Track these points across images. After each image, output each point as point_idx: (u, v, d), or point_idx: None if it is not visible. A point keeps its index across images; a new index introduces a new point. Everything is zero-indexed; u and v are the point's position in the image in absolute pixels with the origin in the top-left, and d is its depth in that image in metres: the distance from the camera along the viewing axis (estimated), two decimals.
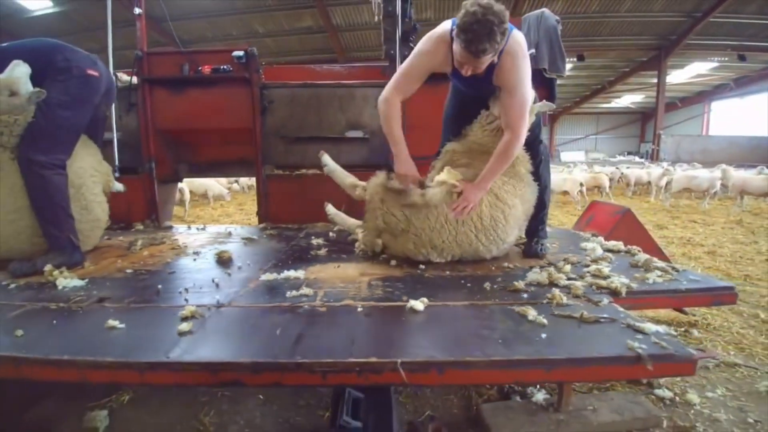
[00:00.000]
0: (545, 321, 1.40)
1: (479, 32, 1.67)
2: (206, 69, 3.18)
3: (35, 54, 2.11)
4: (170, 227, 3.32)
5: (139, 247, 2.49)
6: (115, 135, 3.10)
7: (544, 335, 1.31)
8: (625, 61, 18.81)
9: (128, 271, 2.04)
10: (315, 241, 2.59)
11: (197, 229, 3.27)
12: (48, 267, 1.92)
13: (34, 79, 2.08)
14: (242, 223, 7.17)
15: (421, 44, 2.03)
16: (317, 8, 11.31)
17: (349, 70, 3.68)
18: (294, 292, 1.63)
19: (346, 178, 2.52)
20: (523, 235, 2.39)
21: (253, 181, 11.29)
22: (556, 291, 1.63)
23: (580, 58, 15.13)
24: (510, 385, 2.18)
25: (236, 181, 10.28)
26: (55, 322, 1.42)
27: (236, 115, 3.29)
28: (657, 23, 14.19)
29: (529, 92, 1.96)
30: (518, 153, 2.12)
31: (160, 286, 1.76)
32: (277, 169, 3.37)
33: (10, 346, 1.24)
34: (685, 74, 20.73)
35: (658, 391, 1.99)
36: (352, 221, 2.49)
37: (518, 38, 1.89)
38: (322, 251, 2.37)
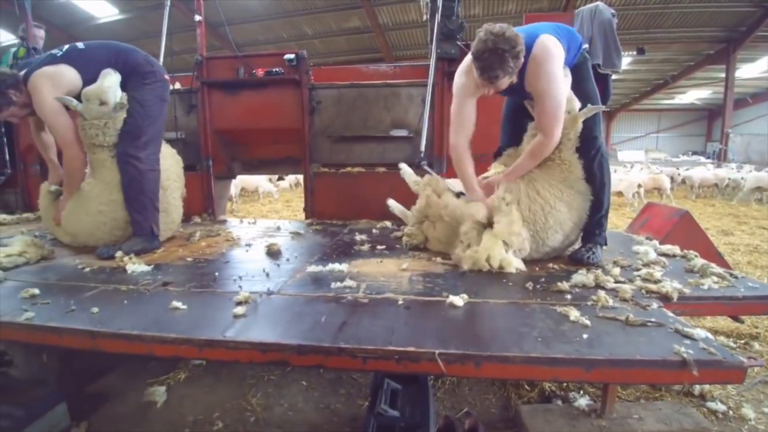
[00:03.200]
0: (588, 322, 1.38)
1: (490, 60, 1.76)
2: (260, 72, 3.35)
3: (122, 56, 2.34)
4: (224, 221, 3.53)
5: (197, 238, 2.69)
6: (177, 134, 3.36)
7: (585, 336, 1.30)
8: (690, 54, 17.53)
9: (188, 259, 2.21)
10: (358, 237, 2.67)
11: (249, 223, 3.45)
12: (119, 253, 2.13)
13: (122, 79, 2.32)
14: (289, 218, 7.44)
15: (456, 79, 2.11)
16: (364, 8, 11.47)
17: (395, 69, 3.73)
18: (338, 284, 1.71)
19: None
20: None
21: (299, 178, 11.68)
22: (602, 293, 1.60)
23: (641, 51, 14.25)
24: (549, 384, 2.16)
25: (282, 179, 10.66)
26: (125, 302, 1.58)
27: (286, 115, 3.44)
28: (724, 14, 13.13)
29: (562, 94, 1.93)
30: (570, 159, 2.11)
31: (216, 274, 1.91)
32: (323, 167, 3.49)
33: (87, 321, 1.41)
34: (756, 69, 19.03)
35: (711, 404, 1.89)
36: (409, 213, 2.55)
37: (546, 43, 1.88)
38: (365, 247, 2.44)
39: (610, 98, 2.87)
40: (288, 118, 3.43)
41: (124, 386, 2.34)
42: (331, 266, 1.96)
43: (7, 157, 3.99)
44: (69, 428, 1.86)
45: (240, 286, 1.74)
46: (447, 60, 3.17)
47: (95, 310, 1.47)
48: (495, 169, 2.31)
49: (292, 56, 3.29)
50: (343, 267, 1.96)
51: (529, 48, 1.87)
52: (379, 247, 2.45)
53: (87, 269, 2.04)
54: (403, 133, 3.29)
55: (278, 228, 3.17)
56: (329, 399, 2.22)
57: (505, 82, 1.86)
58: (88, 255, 2.34)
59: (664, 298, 1.64)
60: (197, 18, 3.45)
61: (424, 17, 3.08)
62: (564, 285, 1.71)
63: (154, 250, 2.39)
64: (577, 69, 2.13)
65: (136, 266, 2.00)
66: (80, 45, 2.32)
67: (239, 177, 6.10)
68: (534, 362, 1.19)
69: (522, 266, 1.96)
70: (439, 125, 3.22)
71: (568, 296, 1.64)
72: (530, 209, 2.09)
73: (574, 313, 1.43)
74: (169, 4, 3.51)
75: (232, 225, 3.34)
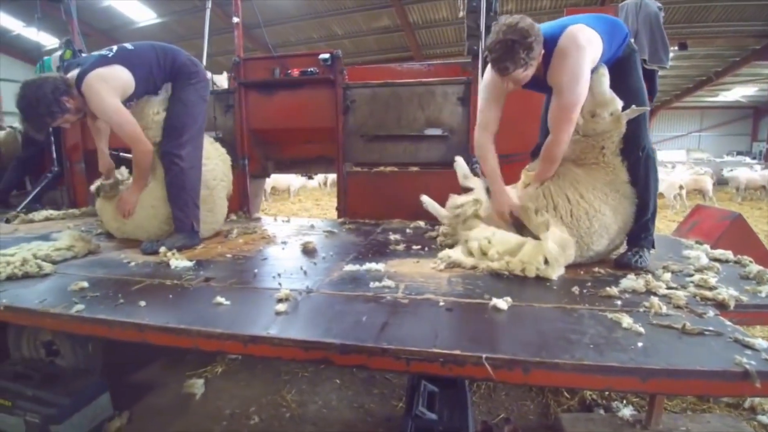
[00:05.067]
0: (642, 330, 1.31)
1: (500, 52, 1.72)
2: (295, 72, 3.39)
3: (170, 56, 2.40)
4: (259, 218, 3.59)
5: (235, 235, 2.74)
6: (216, 134, 3.43)
7: (640, 344, 1.23)
8: (735, 49, 16.58)
9: (228, 256, 2.25)
10: (393, 237, 2.65)
11: (282, 221, 3.50)
12: (162, 249, 2.19)
13: (169, 79, 2.42)
14: (319, 217, 7.51)
15: (485, 75, 2.09)
16: (394, 7, 11.46)
17: (428, 68, 3.69)
18: (376, 284, 1.70)
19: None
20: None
21: (327, 177, 11.79)
22: (655, 300, 1.52)
23: (683, 46, 13.58)
24: (591, 392, 2.08)
25: (311, 178, 10.78)
26: (170, 296, 1.62)
27: (320, 114, 3.47)
28: None
29: (581, 92, 1.81)
30: (614, 162, 2.04)
31: (256, 271, 1.94)
32: (356, 166, 3.49)
33: (135, 314, 1.45)
34: None
35: (762, 417, 1.78)
36: (444, 212, 2.50)
37: (574, 33, 1.78)
38: (400, 247, 2.42)
39: (656, 95, 2.74)
40: (322, 118, 3.45)
41: (163, 378, 2.41)
42: (367, 266, 1.95)
43: (55, 155, 4.18)
44: (112, 417, 1.93)
45: (279, 284, 1.75)
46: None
47: (143, 303, 1.51)
48: (528, 171, 2.28)
49: (326, 56, 3.31)
50: (380, 266, 1.95)
51: (555, 39, 1.80)
52: (414, 247, 2.42)
53: (132, 264, 2.10)
54: (437, 131, 3.25)
55: (312, 226, 3.19)
56: (363, 398, 2.22)
57: (520, 74, 1.78)
58: (132, 249, 2.42)
59: (720, 306, 1.54)
60: (235, 20, 3.52)
61: (461, 13, 3.02)
62: (613, 290, 1.64)
63: (195, 246, 2.45)
64: (622, 62, 2.03)
65: (178, 262, 2.05)
66: (129, 46, 2.36)
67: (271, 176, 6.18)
68: (586, 370, 1.14)
69: (563, 272, 1.90)
70: (474, 124, 3.15)
71: (618, 302, 1.56)
72: (572, 214, 2.02)
73: (626, 320, 1.36)
74: (210, 6, 3.58)
75: (266, 223, 3.40)
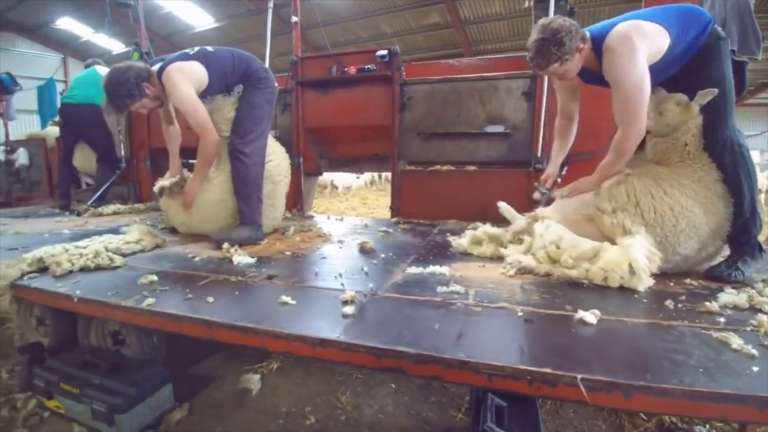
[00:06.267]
0: (755, 352, 1.14)
1: (533, 51, 1.86)
2: (352, 69, 3.35)
3: (245, 62, 2.55)
4: (312, 216, 3.60)
5: (292, 233, 2.74)
6: (275, 133, 3.47)
7: (755, 368, 1.07)
8: None
9: (287, 253, 2.24)
10: (451, 239, 2.55)
11: (336, 219, 3.48)
12: (225, 245, 2.21)
13: (241, 82, 2.55)
14: (366, 215, 7.50)
15: None
16: (445, 3, 11.28)
17: (488, 62, 3.54)
18: (444, 288, 1.60)
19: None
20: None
21: (374, 176, 11.81)
22: (764, 318, 1.33)
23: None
24: (675, 418, 1.88)
25: (358, 176, 10.81)
26: (237, 293, 1.61)
27: (376, 112, 3.42)
28: None
29: (638, 83, 1.78)
30: (700, 157, 1.89)
31: (317, 270, 1.90)
32: (411, 165, 3.40)
33: (203, 310, 1.44)
34: None
35: None
36: (523, 221, 2.37)
37: (622, 30, 1.81)
38: (462, 249, 2.30)
39: (745, 88, 2.45)
40: (377, 115, 3.40)
41: (221, 371, 2.44)
42: (431, 268, 1.86)
43: (123, 153, 4.41)
44: (173, 408, 1.95)
45: (342, 284, 1.70)
46: None
47: (210, 299, 1.51)
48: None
49: (384, 52, 3.25)
50: (444, 270, 1.86)
51: (602, 38, 1.85)
52: None
53: (197, 258, 2.13)
54: (499, 129, 3.10)
55: (366, 225, 3.15)
56: (420, 405, 2.13)
57: (558, 69, 1.87)
58: (195, 244, 2.47)
59: None
60: (294, 19, 3.55)
61: (527, 3, 2.86)
62: (713, 305, 1.45)
63: (259, 240, 2.52)
64: (705, 51, 1.88)
65: (241, 258, 2.06)
66: (209, 48, 2.54)
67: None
68: (698, 397, 0.99)
69: (651, 283, 1.71)
70: (540, 121, 2.98)
71: (721, 319, 1.38)
72: (656, 210, 1.83)
73: (736, 341, 1.19)
74: (272, 6, 3.64)
75: (320, 221, 3.39)
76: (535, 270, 1.86)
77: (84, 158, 4.35)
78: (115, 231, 2.92)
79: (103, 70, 4.19)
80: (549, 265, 1.86)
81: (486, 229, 2.32)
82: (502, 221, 2.98)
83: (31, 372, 2.07)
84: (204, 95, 2.45)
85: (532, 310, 1.43)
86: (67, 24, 14.60)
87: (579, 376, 1.01)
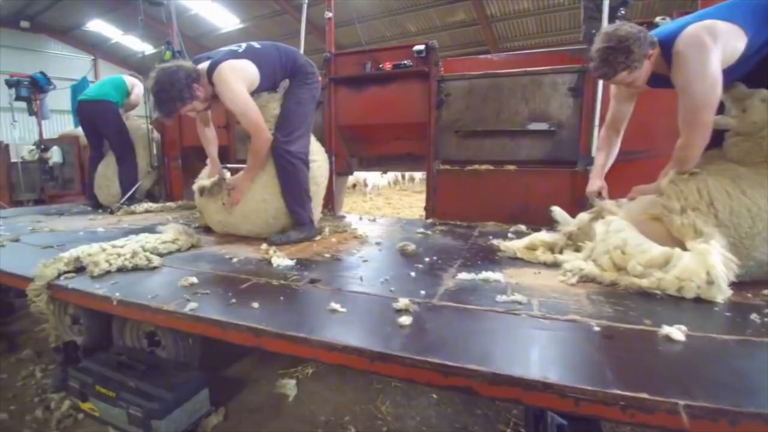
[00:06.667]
0: None
1: (597, 60, 1.78)
2: (387, 66, 3.25)
3: (291, 57, 2.47)
4: (344, 216, 3.51)
5: (327, 233, 2.65)
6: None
7: None
8: None
9: (325, 255, 2.15)
10: (496, 242, 2.41)
11: (369, 220, 3.38)
12: (264, 246, 2.14)
13: (287, 77, 2.49)
14: (392, 215, 7.40)
15: None
16: (471, 0, 11.08)
17: (527, 57, 3.38)
18: (504, 297, 1.47)
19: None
20: None
21: (398, 176, 11.70)
22: None
23: None
24: None
25: (382, 175, 10.72)
26: (281, 298, 1.52)
27: (411, 109, 3.30)
28: None
29: (705, 90, 1.65)
30: None
31: (361, 274, 1.79)
32: (446, 164, 3.27)
33: (249, 316, 1.35)
34: None
35: None
36: (575, 225, 2.22)
37: (692, 33, 1.67)
38: (509, 253, 2.17)
39: None
40: (412, 113, 3.29)
41: (256, 373, 2.37)
42: (484, 274, 1.73)
43: (155, 152, 4.42)
44: (209, 413, 1.89)
45: (391, 290, 1.59)
46: None
47: (255, 305, 1.42)
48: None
49: (421, 47, 3.13)
50: (498, 276, 1.72)
51: (673, 40, 1.72)
52: None
53: (235, 260, 2.06)
54: (542, 126, 2.94)
55: (401, 227, 3.04)
56: (465, 419, 2.01)
57: (627, 77, 1.78)
58: (231, 245, 2.40)
59: None
60: (327, 15, 3.47)
61: None
62: None
63: (314, 237, 2.49)
64: None
65: (280, 260, 1.97)
66: (256, 44, 2.46)
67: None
68: None
69: (729, 293, 1.55)
70: (588, 118, 2.82)
71: None
72: (732, 210, 1.67)
73: None
74: (306, 2, 3.57)
75: (353, 221, 3.28)
76: (599, 278, 1.72)
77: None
78: (148, 229, 2.89)
79: (129, 79, 4.21)
80: (614, 272, 1.72)
81: (541, 235, 2.18)
82: (542, 223, 2.83)
83: (66, 372, 2.04)
84: (253, 94, 2.38)
85: (608, 324, 1.29)
86: (98, 26, 14.98)
87: (681, 403, 0.88)
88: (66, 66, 14.54)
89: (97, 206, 4.17)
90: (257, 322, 1.29)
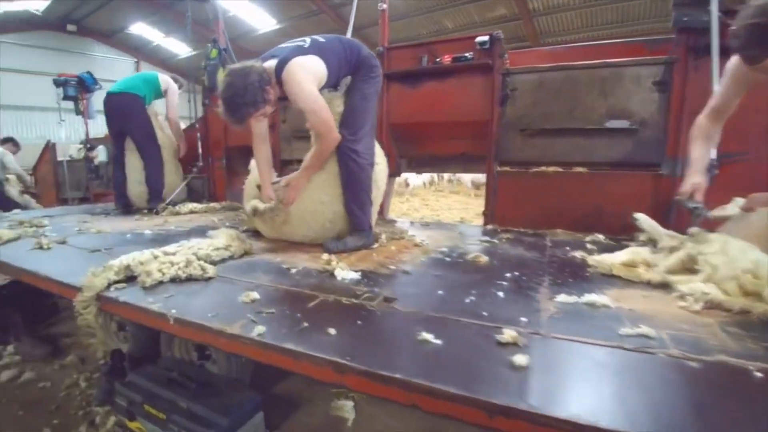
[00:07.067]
0: None
1: (746, 38, 1.45)
2: (446, 59, 3.01)
3: (355, 49, 2.29)
4: (394, 221, 3.29)
5: (385, 240, 2.44)
6: None
7: None
8: None
9: (391, 267, 1.93)
10: (578, 254, 2.14)
11: (421, 225, 3.16)
12: (325, 256, 1.94)
13: (351, 72, 2.31)
14: (430, 217, 7.14)
15: (733, 59, 1.76)
16: None
17: (597, 47, 3.08)
18: (627, 330, 1.22)
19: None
20: None
21: (434, 177, 11.39)
22: None
23: None
24: None
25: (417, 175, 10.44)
26: (359, 322, 1.30)
27: (470, 106, 3.05)
28: None
29: None
30: None
31: (441, 293, 1.57)
32: (508, 165, 3.00)
33: (327, 346, 1.14)
34: None
35: None
36: (665, 235, 1.95)
37: None
38: (599, 268, 1.89)
39: None
40: (472, 110, 3.04)
41: (308, 392, 2.20)
42: (587, 297, 1.47)
43: (200, 151, 4.34)
44: None
45: (484, 314, 1.36)
46: (693, 31, 2.43)
47: (332, 331, 1.22)
48: None
49: (485, 38, 2.88)
50: (603, 299, 1.46)
51: None
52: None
53: (293, 271, 1.88)
54: (622, 124, 2.64)
55: (460, 233, 2.80)
56: None
57: None
58: (285, 253, 2.23)
59: None
60: (382, 6, 3.27)
61: None
62: None
63: (371, 245, 2.31)
64: None
65: (345, 272, 1.77)
66: (320, 38, 2.28)
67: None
68: None
69: None
70: (677, 116, 2.50)
71: None
72: None
73: None
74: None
75: (405, 225, 3.06)
76: (725, 304, 1.43)
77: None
78: (196, 232, 2.77)
79: (164, 78, 4.07)
80: (744, 299, 1.43)
81: (637, 250, 1.90)
82: (618, 232, 2.54)
83: (111, 384, 1.92)
84: (320, 90, 2.20)
85: (763, 365, 1.02)
86: (140, 29, 15.38)
87: None
88: (110, 68, 15.04)
89: (128, 207, 3.92)
90: (338, 354, 1.09)
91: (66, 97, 5.53)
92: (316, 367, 1.10)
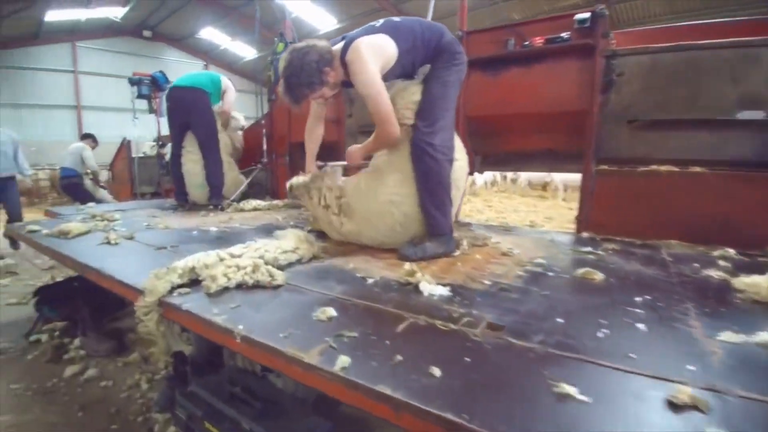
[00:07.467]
0: None
1: None
2: (537, 41, 2.65)
3: (437, 31, 2.07)
4: (469, 224, 2.97)
5: (467, 247, 2.14)
6: None
7: None
8: None
9: (484, 281, 1.63)
10: (711, 272, 1.73)
11: (502, 229, 2.82)
12: (407, 266, 1.68)
13: (430, 59, 2.09)
14: (495, 219, 6.71)
15: None
16: None
17: (721, 25, 2.57)
18: None
19: None
20: None
21: (496, 176, 10.84)
22: None
23: None
24: None
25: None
26: (467, 359, 1.02)
27: (562, 94, 2.66)
28: None
29: None
30: None
31: (561, 320, 1.25)
32: (606, 163, 2.58)
33: (435, 396, 0.88)
34: None
35: None
36: None
37: None
38: (753, 294, 1.48)
39: None
40: (564, 98, 2.64)
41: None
42: (761, 336, 1.10)
43: (265, 148, 4.27)
44: None
45: (633, 356, 1.02)
46: None
47: (436, 372, 0.95)
48: None
49: (585, 15, 2.49)
50: None
51: None
52: None
53: (370, 281, 1.63)
54: (758, 115, 2.15)
55: (551, 240, 2.44)
56: None
57: None
58: (356, 257, 2.01)
59: None
60: None
61: None
62: None
63: (452, 253, 2.05)
64: None
65: (431, 287, 1.50)
66: (396, 18, 2.09)
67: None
68: None
69: None
70: None
71: None
72: None
73: None
74: None
75: (483, 230, 2.74)
76: None
77: None
78: (262, 230, 2.64)
79: (225, 80, 3.99)
80: None
81: None
82: (751, 246, 2.08)
83: (172, 390, 1.80)
84: (386, 77, 1.99)
85: None
86: (209, 34, 16.12)
87: None
88: (181, 71, 15.83)
89: (187, 204, 3.87)
90: (451, 409, 0.82)
91: (140, 96, 5.74)
92: (421, 422, 0.84)
